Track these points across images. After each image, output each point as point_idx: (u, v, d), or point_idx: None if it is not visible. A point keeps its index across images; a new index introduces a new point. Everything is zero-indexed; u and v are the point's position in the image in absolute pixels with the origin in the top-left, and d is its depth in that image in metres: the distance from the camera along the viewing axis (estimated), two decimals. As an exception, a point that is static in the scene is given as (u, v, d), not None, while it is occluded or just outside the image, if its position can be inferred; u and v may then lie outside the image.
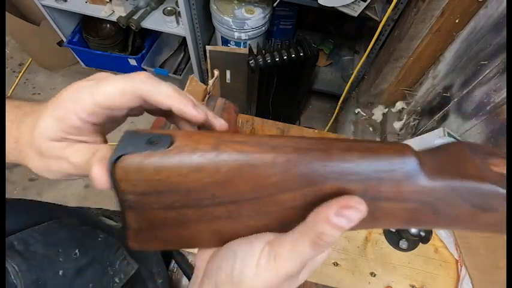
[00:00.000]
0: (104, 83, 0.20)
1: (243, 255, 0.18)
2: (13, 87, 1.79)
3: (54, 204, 0.42)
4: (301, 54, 1.26)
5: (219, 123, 0.24)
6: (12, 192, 1.44)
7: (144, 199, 0.19)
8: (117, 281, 0.37)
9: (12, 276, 0.28)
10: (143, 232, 0.20)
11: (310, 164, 0.17)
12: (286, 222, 0.19)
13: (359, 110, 1.42)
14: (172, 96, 0.21)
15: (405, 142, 0.97)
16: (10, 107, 0.24)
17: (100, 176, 0.20)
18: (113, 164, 0.18)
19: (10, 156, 0.24)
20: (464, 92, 0.94)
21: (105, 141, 0.25)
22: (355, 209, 0.16)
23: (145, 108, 0.24)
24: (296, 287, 0.20)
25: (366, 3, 1.08)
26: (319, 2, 1.10)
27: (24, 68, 1.87)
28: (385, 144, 0.18)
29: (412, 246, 0.54)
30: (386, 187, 0.17)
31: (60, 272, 0.32)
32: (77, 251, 0.34)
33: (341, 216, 0.16)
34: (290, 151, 0.17)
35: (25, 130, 0.22)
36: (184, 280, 0.52)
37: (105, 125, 0.24)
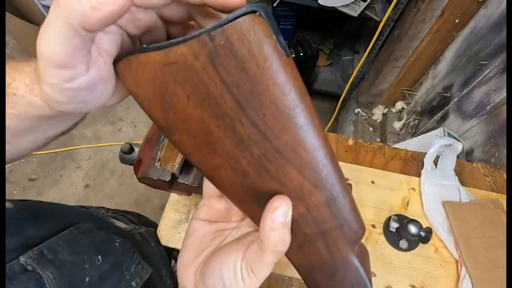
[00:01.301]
0: None
1: (229, 275, 0.21)
2: (13, 87, 1.78)
3: (67, 206, 0.42)
4: (301, 54, 1.26)
5: None
6: (12, 192, 1.44)
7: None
8: (134, 285, 0.38)
9: (47, 285, 0.28)
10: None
11: None
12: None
13: (359, 110, 1.42)
14: None
15: (405, 142, 0.97)
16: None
17: None
18: None
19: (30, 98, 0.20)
20: (464, 92, 0.94)
21: None
22: (282, 206, 0.18)
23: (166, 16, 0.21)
24: None
25: (366, 3, 1.08)
26: (319, 2, 1.10)
27: (24, 68, 1.87)
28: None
29: (412, 246, 0.54)
30: (335, 234, 0.20)
31: (87, 279, 0.32)
32: (99, 257, 0.35)
33: (277, 218, 0.18)
34: None
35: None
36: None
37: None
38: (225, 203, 0.25)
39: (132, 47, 0.22)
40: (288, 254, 0.22)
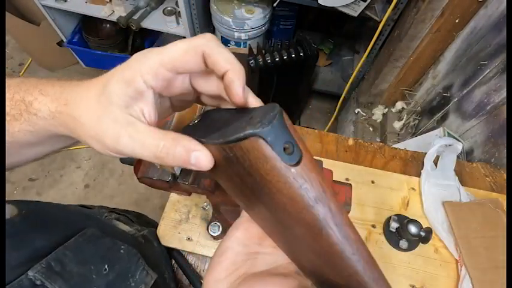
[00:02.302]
0: (172, 45, 0.21)
1: None
2: (13, 87, 1.79)
3: (68, 208, 0.42)
4: (301, 54, 1.26)
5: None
6: (12, 192, 1.44)
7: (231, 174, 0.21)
8: None
9: None
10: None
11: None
12: None
13: (359, 110, 1.42)
14: (232, 62, 0.21)
15: (405, 142, 0.97)
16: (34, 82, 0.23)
17: (205, 158, 0.20)
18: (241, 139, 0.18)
19: (46, 125, 0.22)
20: (464, 92, 0.94)
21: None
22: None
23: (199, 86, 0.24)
24: None
25: (366, 3, 1.08)
26: (319, 2, 1.10)
27: (24, 68, 1.87)
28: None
29: (412, 246, 0.54)
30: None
31: None
32: (106, 266, 0.35)
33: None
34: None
35: (77, 97, 0.21)
36: (184, 279, 0.52)
37: (172, 102, 0.25)
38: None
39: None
40: None
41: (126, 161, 0.47)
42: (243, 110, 0.22)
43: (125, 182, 1.51)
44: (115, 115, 0.20)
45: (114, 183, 1.50)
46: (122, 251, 0.39)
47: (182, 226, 0.54)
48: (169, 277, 0.49)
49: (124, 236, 0.47)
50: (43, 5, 1.46)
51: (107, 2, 1.44)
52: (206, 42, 0.21)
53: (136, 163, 0.44)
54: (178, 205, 0.56)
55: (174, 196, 0.56)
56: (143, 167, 0.42)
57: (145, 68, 0.20)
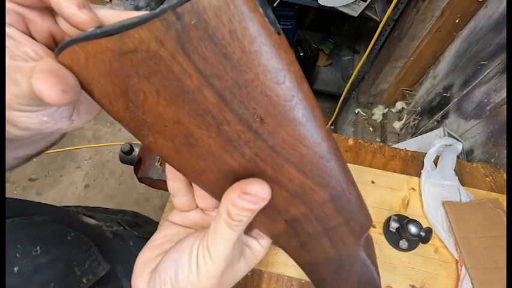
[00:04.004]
0: None
1: (184, 261, 0.19)
2: (13, 87, 1.79)
3: (35, 202, 0.41)
4: (301, 54, 1.26)
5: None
6: (12, 192, 1.44)
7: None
8: (85, 282, 0.36)
9: None
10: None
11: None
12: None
13: (359, 110, 1.42)
14: None
15: (405, 142, 0.97)
16: None
17: (43, 81, 0.14)
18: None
19: None
20: (464, 92, 0.94)
21: None
22: (253, 197, 0.16)
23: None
24: (243, 275, 0.21)
25: (366, 3, 1.08)
26: (319, 2, 1.10)
27: (24, 68, 1.87)
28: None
29: (412, 246, 0.54)
30: (340, 231, 0.19)
31: (15, 269, 0.31)
32: (38, 248, 0.33)
33: (244, 200, 0.16)
34: None
35: None
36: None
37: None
38: (202, 215, 0.24)
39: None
40: (289, 252, 0.21)
41: (126, 161, 0.47)
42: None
43: (124, 182, 1.51)
44: (9, 72, 0.16)
45: (114, 183, 1.50)
46: (69, 237, 0.37)
47: (182, 226, 0.54)
48: None
49: (85, 227, 0.45)
50: (43, 5, 1.46)
51: (107, 2, 1.44)
52: None
53: (136, 163, 0.44)
54: (178, 205, 0.55)
55: (174, 196, 0.56)
56: (143, 167, 0.42)
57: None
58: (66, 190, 1.47)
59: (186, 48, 0.12)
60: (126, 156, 0.46)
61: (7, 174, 1.44)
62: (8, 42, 0.17)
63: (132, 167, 0.44)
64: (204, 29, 0.12)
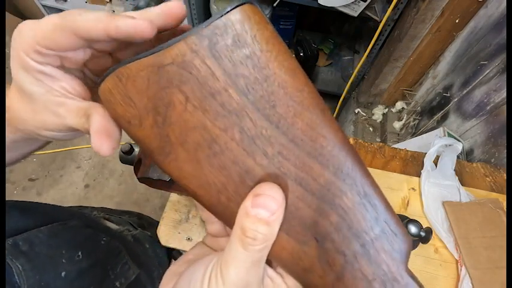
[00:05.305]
0: (44, 19, 0.18)
1: (197, 277, 0.18)
2: (13, 87, 1.79)
3: (58, 206, 0.42)
4: (301, 54, 1.26)
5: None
6: (12, 192, 1.44)
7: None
8: (118, 285, 0.37)
9: (15, 276, 0.27)
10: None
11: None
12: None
13: (359, 110, 1.42)
14: (103, 20, 0.17)
15: (405, 142, 0.97)
16: None
17: (99, 143, 0.18)
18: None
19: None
20: (464, 92, 0.94)
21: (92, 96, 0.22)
22: (267, 196, 0.15)
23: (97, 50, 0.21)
24: None
25: (366, 3, 1.08)
26: (319, 2, 1.10)
27: (24, 68, 1.87)
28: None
29: (412, 246, 0.54)
30: (379, 244, 0.16)
31: (63, 274, 0.32)
32: (79, 253, 0.34)
33: (257, 207, 0.15)
34: None
35: (11, 101, 0.21)
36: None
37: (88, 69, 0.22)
38: None
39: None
40: None
41: (126, 161, 0.47)
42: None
43: (125, 182, 1.51)
44: (43, 105, 0.20)
45: (114, 183, 1.50)
46: (102, 242, 0.38)
47: (182, 226, 0.54)
48: (159, 277, 0.49)
49: (109, 231, 0.47)
50: (43, 5, 1.46)
51: (107, 2, 1.44)
52: (72, 17, 0.18)
53: (136, 163, 0.44)
54: (178, 205, 0.56)
55: (174, 196, 0.56)
56: (143, 167, 0.42)
57: (25, 47, 0.18)
58: (66, 190, 1.47)
59: (214, 53, 0.14)
60: (126, 156, 0.46)
61: (7, 174, 1.44)
62: (46, 79, 0.19)
63: (132, 167, 0.44)
64: (231, 37, 0.14)
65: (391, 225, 0.16)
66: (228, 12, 0.14)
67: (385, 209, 0.16)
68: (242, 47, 0.15)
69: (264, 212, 0.15)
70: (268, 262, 0.19)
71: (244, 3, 0.15)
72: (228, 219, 0.17)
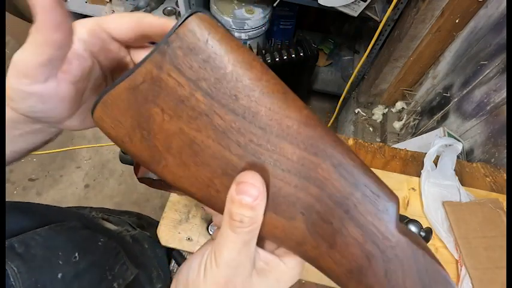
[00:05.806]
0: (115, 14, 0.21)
1: (195, 264, 0.19)
2: (13, 87, 1.78)
3: (56, 207, 0.42)
4: (301, 54, 1.26)
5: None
6: (12, 192, 1.44)
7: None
8: (116, 286, 0.37)
9: (11, 279, 0.27)
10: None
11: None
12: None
13: (359, 110, 1.42)
14: (128, 15, 0.21)
15: (405, 142, 0.97)
16: None
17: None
18: None
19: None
20: (464, 92, 0.94)
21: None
22: (248, 184, 0.16)
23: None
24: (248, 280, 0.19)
25: (366, 3, 1.08)
26: (319, 2, 1.10)
27: (24, 68, 1.87)
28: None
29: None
30: (362, 207, 0.17)
31: (59, 275, 0.31)
32: (76, 254, 0.34)
33: (240, 194, 0.16)
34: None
35: None
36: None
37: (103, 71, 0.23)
38: None
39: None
40: (321, 264, 0.19)
41: (126, 161, 0.47)
42: None
43: (125, 182, 1.51)
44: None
45: (114, 183, 1.50)
46: (99, 243, 0.38)
47: (182, 226, 0.54)
48: (159, 278, 0.49)
49: (107, 232, 0.46)
50: (43, 5, 1.45)
51: (107, 2, 1.44)
52: (101, 21, 0.20)
53: (136, 163, 0.44)
54: (178, 205, 0.56)
55: (174, 196, 0.56)
56: (143, 167, 0.42)
57: (82, 25, 0.20)
58: (66, 190, 1.47)
59: (176, 64, 0.16)
60: (126, 156, 0.46)
61: (7, 174, 1.44)
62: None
63: (132, 167, 0.44)
64: (186, 47, 0.16)
65: (371, 188, 0.17)
66: (180, 25, 0.16)
67: (363, 173, 0.17)
68: (198, 54, 0.16)
69: (247, 197, 0.16)
70: (263, 246, 0.20)
71: (192, 14, 0.16)
72: (222, 209, 0.18)
